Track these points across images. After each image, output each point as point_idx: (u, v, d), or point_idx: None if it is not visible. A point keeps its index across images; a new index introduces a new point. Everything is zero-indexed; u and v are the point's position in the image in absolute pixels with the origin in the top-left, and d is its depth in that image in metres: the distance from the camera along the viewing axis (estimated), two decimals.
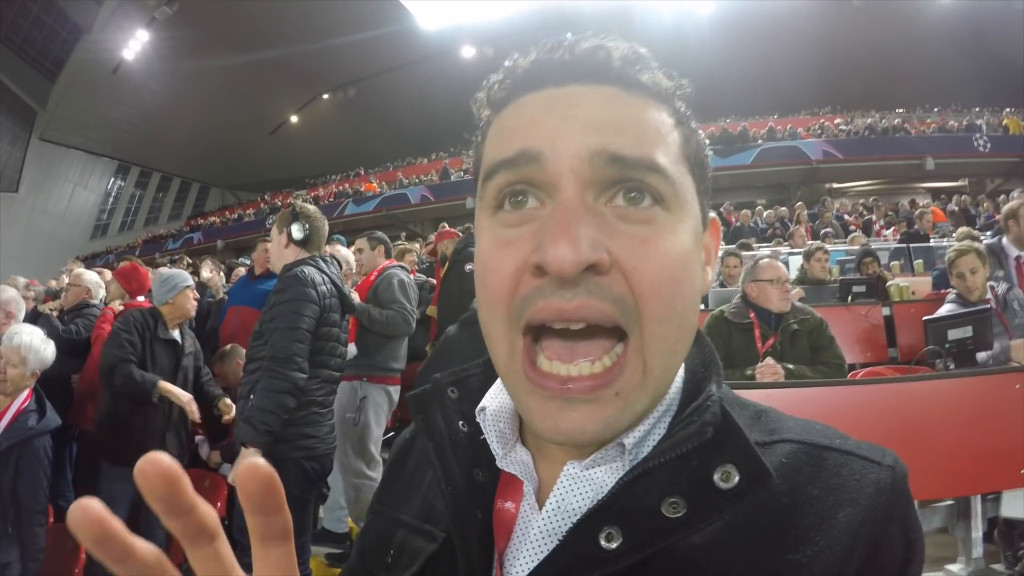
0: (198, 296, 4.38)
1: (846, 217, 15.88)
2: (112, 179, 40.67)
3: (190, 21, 29.36)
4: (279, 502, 0.42)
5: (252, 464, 0.41)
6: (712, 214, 0.74)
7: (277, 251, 3.69)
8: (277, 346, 3.30)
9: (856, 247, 10.04)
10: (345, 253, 5.44)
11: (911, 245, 10.27)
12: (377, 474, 4.76)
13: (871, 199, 18.17)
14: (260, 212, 33.35)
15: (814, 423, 0.70)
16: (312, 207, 3.78)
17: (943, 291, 5.70)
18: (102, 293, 5.39)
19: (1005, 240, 5.22)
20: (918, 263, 9.61)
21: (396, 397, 5.13)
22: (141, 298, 5.00)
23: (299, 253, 3.62)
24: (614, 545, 0.59)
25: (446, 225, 10.37)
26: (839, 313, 6.00)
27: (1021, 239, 5.14)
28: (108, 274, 8.75)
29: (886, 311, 6.19)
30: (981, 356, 4.07)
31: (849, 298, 6.67)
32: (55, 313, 5.40)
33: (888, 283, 7.08)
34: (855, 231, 12.91)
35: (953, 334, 3.96)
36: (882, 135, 23.56)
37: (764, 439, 0.65)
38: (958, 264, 4.47)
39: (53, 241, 34.54)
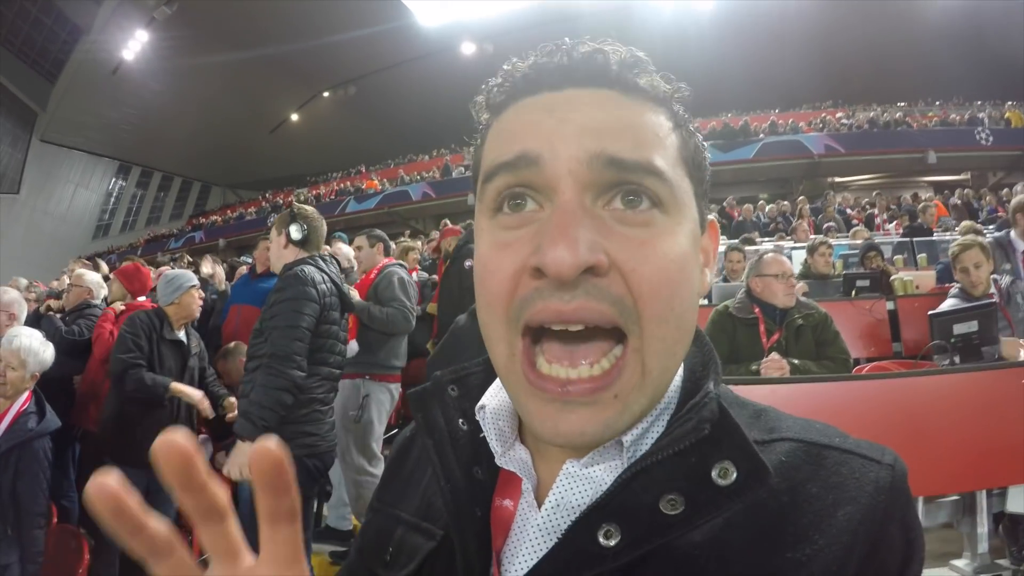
0: (203, 295, 4.38)
1: (848, 211, 15.86)
2: (113, 179, 40.70)
3: (189, 21, 29.36)
4: (288, 482, 0.44)
5: (265, 444, 0.43)
6: (711, 216, 0.74)
7: (277, 252, 3.72)
8: (277, 344, 3.33)
9: (859, 241, 10.02)
10: (347, 250, 5.45)
11: (914, 239, 10.25)
12: (379, 471, 4.77)
13: (874, 194, 18.08)
14: (262, 210, 33.38)
15: (813, 422, 0.70)
16: (310, 208, 3.84)
17: (947, 285, 5.67)
18: (104, 293, 5.38)
19: (1013, 234, 5.19)
20: (921, 257, 9.61)
21: (397, 395, 5.15)
22: (143, 298, 4.99)
23: (298, 253, 3.66)
24: (613, 542, 0.59)
25: (448, 222, 10.36)
26: (843, 307, 6.00)
27: None
28: (104, 266, 8.79)
29: (890, 305, 6.19)
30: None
31: (853, 292, 6.67)
32: (57, 315, 5.38)
33: (892, 277, 7.07)
34: (857, 225, 12.87)
35: (958, 329, 3.94)
36: (884, 129, 23.51)
37: (763, 438, 0.66)
38: (962, 259, 4.44)
39: (55, 242, 34.56)
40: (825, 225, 13.16)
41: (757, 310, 4.07)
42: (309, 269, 3.55)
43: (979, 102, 26.50)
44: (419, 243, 10.49)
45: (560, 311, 0.59)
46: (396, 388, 5.12)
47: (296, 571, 0.47)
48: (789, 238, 11.54)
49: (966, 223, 9.27)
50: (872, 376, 3.69)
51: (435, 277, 7.19)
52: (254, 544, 0.47)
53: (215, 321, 5.69)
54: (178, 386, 3.96)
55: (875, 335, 6.03)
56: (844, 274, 7.35)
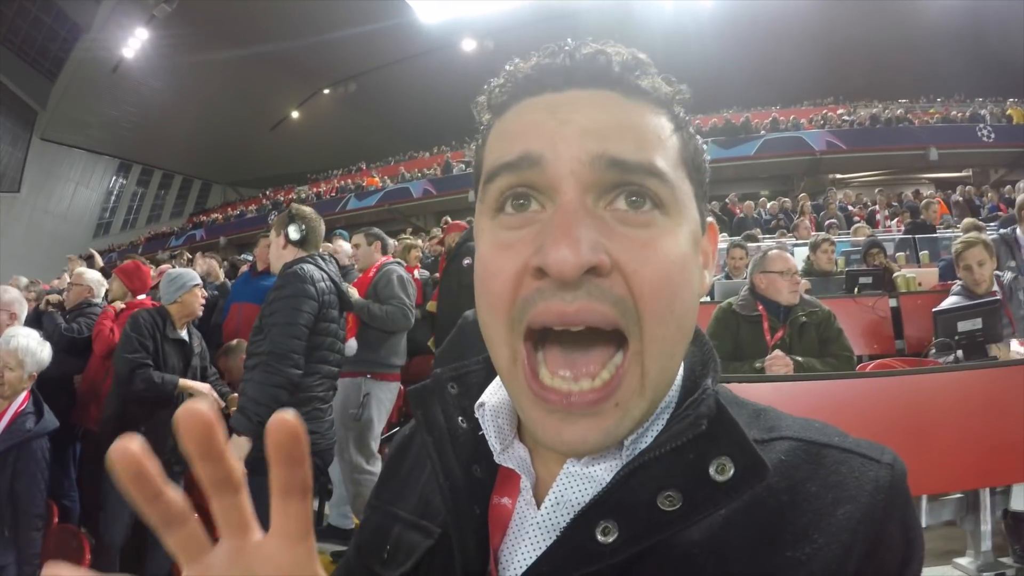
0: (206, 295, 4.38)
1: (850, 208, 15.85)
2: (114, 177, 40.73)
3: (189, 18, 29.38)
4: (303, 454, 0.45)
5: (283, 416, 0.44)
6: (710, 218, 0.75)
7: (276, 252, 3.77)
8: (275, 342, 3.37)
9: (860, 238, 10.02)
10: (348, 248, 5.45)
11: (916, 236, 10.24)
12: (376, 469, 4.79)
13: (876, 191, 18.07)
14: (262, 208, 33.40)
15: (812, 421, 0.70)
16: (308, 208, 3.89)
17: (950, 282, 5.67)
18: (104, 291, 5.38)
19: (1019, 231, 5.20)
20: (923, 254, 9.60)
21: (397, 393, 5.17)
22: (143, 296, 4.99)
23: (298, 253, 3.70)
24: (611, 539, 0.59)
25: (449, 219, 10.35)
26: (845, 304, 5.99)
27: None
28: (97, 257, 8.77)
29: (893, 302, 6.18)
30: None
31: (856, 289, 6.66)
32: (57, 312, 5.38)
33: (895, 274, 7.06)
34: (859, 222, 12.87)
35: (963, 326, 3.92)
36: (885, 125, 23.50)
37: (763, 437, 0.66)
38: (966, 256, 4.42)
39: (55, 241, 34.54)
40: (827, 222, 13.15)
41: (761, 307, 4.07)
42: (308, 267, 3.59)
43: (980, 99, 26.48)
44: (420, 241, 10.48)
45: (562, 312, 0.59)
46: (396, 386, 5.14)
47: (305, 547, 0.48)
48: (791, 235, 11.54)
49: (968, 220, 9.25)
50: (876, 374, 3.67)
51: (437, 275, 7.20)
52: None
53: (216, 319, 5.69)
54: (186, 382, 3.99)
55: (878, 332, 6.02)
56: (847, 271, 7.33)
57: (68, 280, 6.29)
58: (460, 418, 0.74)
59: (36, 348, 3.53)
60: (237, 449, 3.24)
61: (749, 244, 8.30)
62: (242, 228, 31.82)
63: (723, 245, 8.48)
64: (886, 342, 6.02)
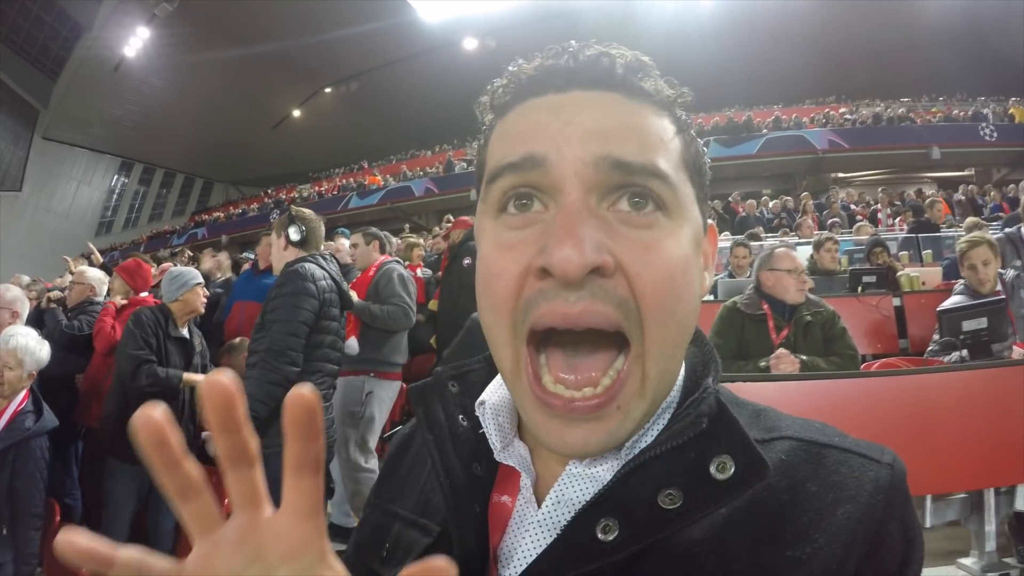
0: (207, 293, 4.38)
1: (852, 207, 15.84)
2: (115, 176, 40.77)
3: (190, 17, 29.42)
4: (319, 429, 0.46)
5: (300, 390, 0.44)
6: (710, 220, 0.75)
7: (277, 254, 3.84)
8: (273, 339, 3.42)
9: (863, 237, 10.00)
10: (347, 244, 5.48)
11: (920, 235, 10.22)
12: (374, 466, 4.82)
13: (879, 190, 18.04)
14: (264, 207, 33.44)
15: (812, 421, 0.70)
16: (307, 210, 3.97)
17: (953, 281, 5.66)
18: (105, 289, 5.37)
19: None
20: (927, 253, 9.57)
21: (398, 391, 5.18)
22: (145, 294, 4.99)
23: (298, 254, 3.76)
24: (611, 537, 0.59)
25: (451, 217, 10.34)
26: (849, 303, 5.98)
27: None
28: (96, 254, 8.77)
29: (896, 301, 6.17)
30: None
31: (859, 288, 6.64)
32: (59, 309, 5.38)
33: (898, 273, 7.05)
34: (861, 221, 12.85)
35: (968, 325, 3.91)
36: (887, 124, 23.47)
37: (763, 436, 0.66)
38: (970, 256, 4.40)
39: (58, 240, 34.51)
40: (829, 221, 13.14)
41: (766, 306, 4.05)
42: (309, 266, 3.65)
43: (983, 98, 26.45)
44: (421, 240, 10.47)
45: (566, 314, 0.59)
46: (398, 385, 5.15)
47: (315, 523, 0.48)
48: (793, 234, 11.53)
49: (971, 219, 9.23)
50: (881, 373, 3.67)
51: (439, 274, 7.20)
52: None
53: (218, 317, 5.68)
54: (190, 376, 4.00)
55: (882, 331, 6.01)
56: (850, 270, 7.32)
57: (70, 279, 6.28)
58: (460, 416, 0.74)
59: (35, 347, 3.53)
60: None
61: (752, 243, 8.27)
62: (244, 227, 31.85)
63: (726, 244, 8.47)
64: (890, 341, 6.01)
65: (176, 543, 3.93)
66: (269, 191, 38.39)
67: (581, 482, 0.65)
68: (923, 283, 7.03)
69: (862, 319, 5.94)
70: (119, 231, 41.13)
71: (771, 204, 15.97)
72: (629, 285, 0.60)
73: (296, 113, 39.81)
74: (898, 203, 16.26)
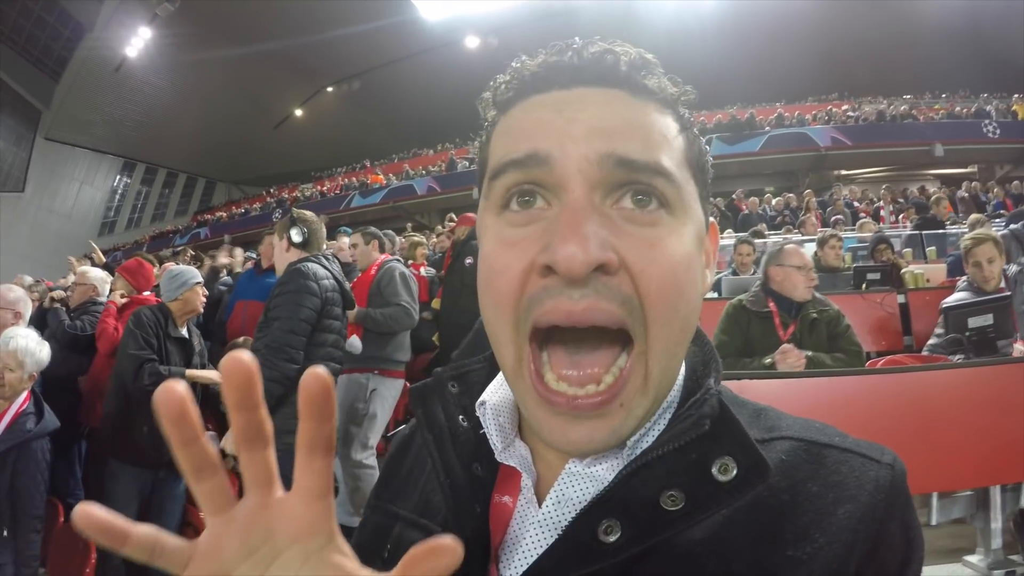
0: (206, 292, 4.38)
1: (856, 204, 15.82)
2: (118, 176, 40.81)
3: (192, 17, 29.43)
4: (332, 410, 0.46)
5: (315, 371, 0.45)
6: (712, 218, 0.75)
7: (280, 255, 3.88)
8: (274, 336, 3.46)
9: (866, 234, 9.99)
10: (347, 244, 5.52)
11: (923, 232, 10.21)
12: (374, 463, 4.84)
13: (883, 188, 18.00)
14: (266, 206, 33.49)
15: (813, 421, 0.70)
16: (309, 212, 4.04)
17: (958, 278, 5.65)
18: (108, 289, 5.37)
19: None
20: (930, 250, 9.56)
21: (401, 390, 5.19)
22: (148, 293, 4.99)
23: (301, 255, 3.80)
24: (613, 538, 0.59)
25: (454, 216, 10.34)
26: (853, 301, 5.98)
27: None
28: (98, 253, 8.79)
29: (901, 298, 6.16)
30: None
31: (863, 285, 6.63)
32: (62, 308, 5.39)
33: (903, 270, 7.03)
34: (864, 218, 12.84)
35: (973, 322, 3.91)
36: (890, 121, 23.43)
37: (763, 436, 0.66)
38: (975, 253, 4.40)
39: (61, 240, 34.55)
40: (833, 218, 13.12)
41: (772, 304, 4.04)
42: (312, 265, 3.70)
43: (985, 95, 26.41)
44: (423, 239, 10.50)
45: (570, 311, 0.59)
46: (401, 383, 5.16)
47: (325, 504, 0.48)
48: (796, 231, 11.51)
49: (975, 216, 9.21)
50: (886, 370, 3.66)
51: (442, 273, 7.21)
52: None
53: (221, 316, 5.69)
54: (193, 372, 4.02)
55: (886, 328, 6.01)
56: (854, 267, 7.32)
57: (72, 279, 6.29)
58: (461, 417, 0.74)
59: (35, 348, 3.52)
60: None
61: (756, 240, 8.27)
62: (246, 226, 31.84)
63: (730, 241, 8.46)
64: (894, 338, 6.00)
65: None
66: (271, 190, 38.46)
67: (581, 481, 0.65)
68: (927, 280, 7.03)
69: (866, 316, 5.94)
70: (122, 231, 41.17)
71: (774, 202, 15.95)
72: (633, 282, 0.60)
73: (298, 112, 39.82)
74: (901, 200, 16.25)
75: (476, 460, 0.70)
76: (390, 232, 7.67)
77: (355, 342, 4.68)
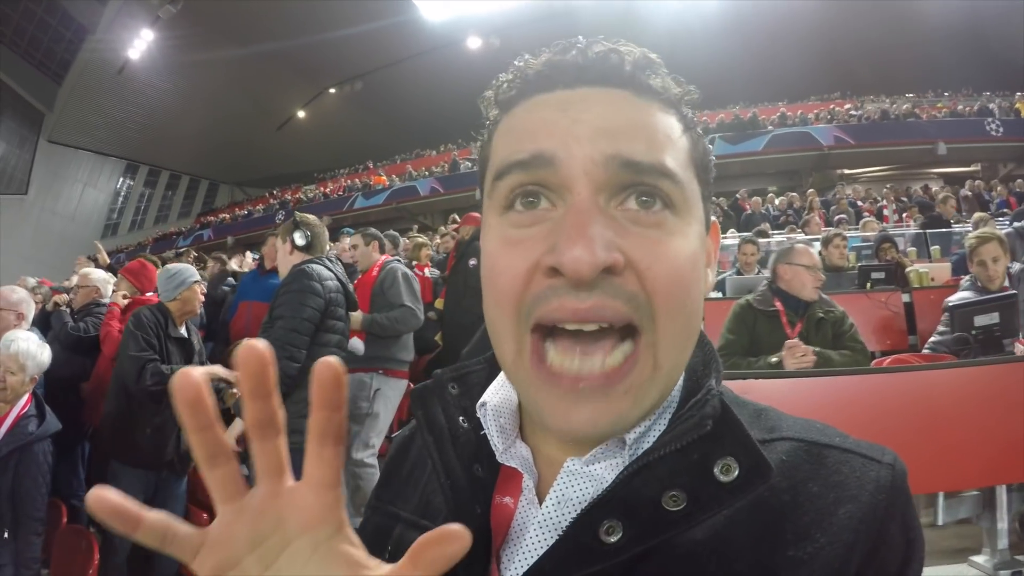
0: (204, 289, 4.37)
1: (859, 204, 15.80)
2: (121, 178, 40.95)
3: (194, 19, 29.49)
4: (343, 399, 0.47)
5: (328, 360, 0.47)
6: (713, 218, 0.75)
7: (284, 258, 3.90)
8: (276, 334, 3.49)
9: (869, 233, 9.98)
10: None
11: (928, 231, 10.19)
12: (374, 461, 4.85)
13: (885, 188, 17.99)
14: (269, 207, 33.55)
15: (813, 422, 0.70)
16: (311, 216, 4.08)
17: (962, 277, 5.63)
18: (110, 290, 5.37)
19: None
20: (935, 249, 9.54)
21: (404, 390, 5.19)
22: (150, 294, 4.99)
23: (304, 257, 3.83)
24: (614, 538, 0.59)
25: (457, 217, 10.34)
26: (858, 300, 5.97)
27: None
28: (103, 254, 8.80)
29: (905, 298, 6.14)
30: None
31: (868, 285, 6.61)
32: (66, 311, 5.39)
33: (907, 269, 7.02)
34: (868, 217, 12.82)
35: (980, 320, 3.89)
36: (894, 120, 23.40)
37: (764, 437, 0.66)
38: (980, 252, 4.38)
39: (64, 242, 34.65)
40: (836, 217, 13.10)
41: (778, 303, 4.04)
42: (316, 267, 3.73)
43: (988, 93, 26.38)
44: (427, 239, 10.52)
45: (576, 309, 0.59)
46: (405, 383, 5.16)
47: (335, 494, 0.49)
48: (799, 231, 11.49)
49: (978, 214, 9.19)
50: (891, 369, 3.65)
51: (447, 273, 7.23)
52: None
53: (224, 316, 5.69)
54: (197, 368, 3.98)
55: (891, 328, 5.99)
56: (859, 266, 7.30)
57: (75, 280, 6.30)
58: (461, 418, 0.74)
59: (36, 351, 3.53)
60: (237, 428, 3.37)
61: (760, 240, 8.26)
62: (249, 228, 31.89)
63: (734, 241, 8.44)
64: (899, 337, 5.98)
65: None
66: (274, 192, 38.49)
67: (581, 481, 0.65)
68: (932, 279, 7.00)
69: (871, 315, 5.92)
70: (125, 233, 41.27)
71: (777, 201, 15.94)
72: (639, 280, 0.60)
73: (301, 114, 39.86)
74: (904, 199, 16.23)
75: (477, 461, 0.70)
76: (394, 233, 7.68)
77: (357, 344, 4.68)
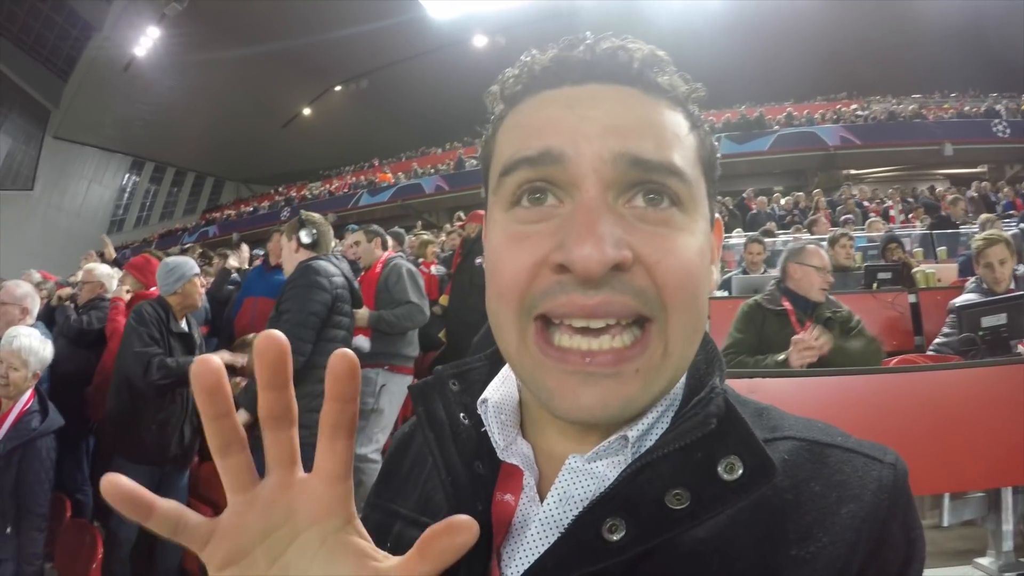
0: (204, 282, 4.37)
1: (866, 204, 15.79)
2: (127, 175, 41.01)
3: (200, 17, 29.52)
4: (356, 391, 0.49)
5: (343, 351, 0.48)
6: (717, 215, 0.75)
7: (289, 256, 3.94)
8: (282, 328, 3.45)
9: (875, 233, 9.96)
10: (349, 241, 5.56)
11: (934, 231, 10.17)
12: (378, 457, 4.86)
13: (890, 189, 17.96)
14: (275, 204, 33.63)
15: (815, 421, 0.70)
16: (316, 215, 4.13)
17: (969, 278, 5.61)
18: (115, 284, 5.38)
19: None
20: (941, 250, 9.52)
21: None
22: (154, 289, 5.00)
23: (310, 255, 3.88)
24: (617, 537, 0.59)
25: (462, 214, 10.34)
26: (865, 300, 5.95)
27: None
28: (109, 248, 8.83)
29: (912, 298, 6.12)
30: None
31: (875, 285, 6.60)
32: (70, 305, 5.41)
33: (914, 270, 7.00)
34: (874, 217, 12.80)
35: (987, 321, 3.88)
36: (900, 121, 23.35)
37: (766, 436, 0.66)
38: (987, 254, 4.37)
39: (70, 238, 34.69)
40: (843, 217, 13.07)
41: (786, 302, 4.03)
42: (323, 263, 3.78)
43: (995, 94, 26.31)
44: (433, 236, 10.52)
45: (584, 305, 0.59)
46: (410, 380, 5.15)
47: (345, 486, 0.51)
48: (805, 230, 11.48)
49: (985, 215, 9.17)
50: (897, 369, 3.65)
51: (452, 270, 7.22)
52: None
53: (229, 313, 5.69)
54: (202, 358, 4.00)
55: (897, 328, 5.97)
56: (866, 266, 7.29)
57: (80, 275, 6.31)
58: (462, 414, 0.74)
59: (39, 347, 3.55)
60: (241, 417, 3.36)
61: (766, 239, 8.25)
62: (255, 224, 31.93)
63: (740, 240, 8.43)
64: (905, 338, 5.97)
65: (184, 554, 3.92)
66: (280, 189, 38.60)
67: (583, 479, 0.65)
68: (939, 280, 6.99)
69: (877, 316, 5.90)
70: (130, 229, 41.32)
71: (783, 201, 15.91)
72: (649, 274, 0.60)
73: (306, 111, 39.90)
74: (910, 199, 16.20)
75: (477, 458, 0.70)
76: (399, 230, 7.68)
77: (362, 341, 4.69)
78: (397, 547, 0.71)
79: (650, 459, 0.61)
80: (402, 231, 7.89)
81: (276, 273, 5.38)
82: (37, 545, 3.22)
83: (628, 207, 0.62)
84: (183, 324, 4.11)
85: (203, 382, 0.45)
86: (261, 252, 8.45)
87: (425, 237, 8.47)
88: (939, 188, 19.00)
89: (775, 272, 4.39)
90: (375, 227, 5.57)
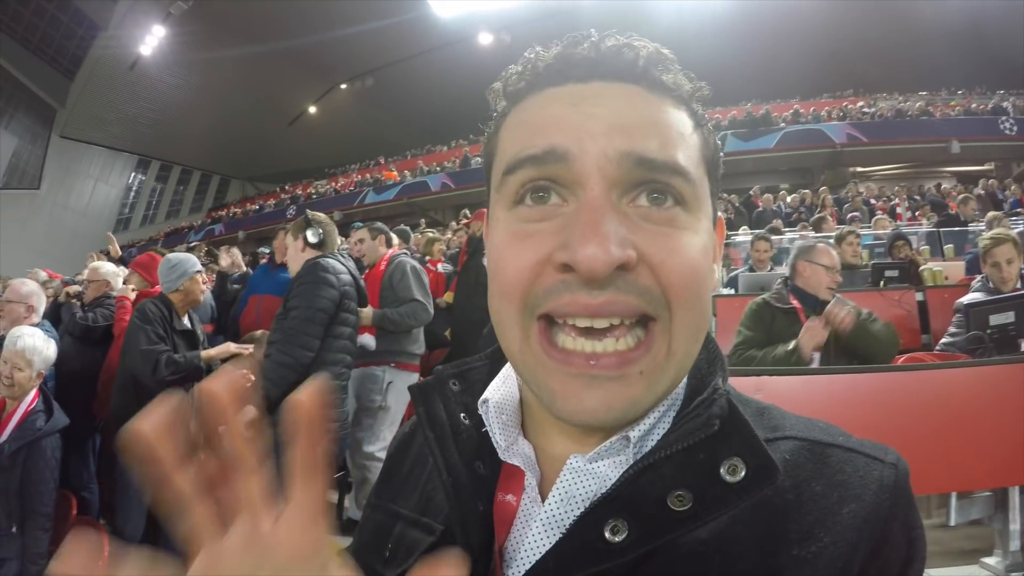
0: (206, 279, 4.37)
1: (872, 202, 15.74)
2: (133, 173, 41.18)
3: (205, 15, 29.63)
4: (322, 431, 0.44)
5: (299, 397, 0.43)
6: (719, 214, 0.74)
7: (295, 255, 3.94)
8: (290, 324, 3.56)
9: (881, 231, 9.92)
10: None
11: (942, 230, 10.13)
12: (384, 455, 4.76)
13: (896, 188, 17.90)
14: (280, 202, 33.70)
15: (816, 420, 0.70)
16: (322, 215, 4.15)
17: (976, 276, 5.58)
18: (121, 282, 5.39)
19: None
20: (948, 247, 9.48)
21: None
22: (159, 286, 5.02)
23: (316, 254, 3.89)
24: (619, 538, 0.58)
25: (468, 212, 10.36)
26: (872, 298, 5.91)
27: None
28: (114, 246, 8.84)
29: (919, 296, 6.08)
30: None
31: (882, 283, 6.57)
32: (76, 303, 5.42)
33: (921, 268, 6.97)
34: (880, 215, 12.76)
35: (995, 319, 3.86)
36: (907, 118, 23.27)
37: (767, 436, 0.65)
38: (994, 253, 4.34)
39: (76, 237, 34.88)
40: (849, 215, 13.04)
41: (794, 300, 4.03)
42: (330, 261, 3.80)
43: (1002, 91, 26.22)
44: (440, 234, 10.53)
45: (588, 305, 0.59)
46: (416, 377, 5.12)
47: (320, 529, 0.45)
48: (810, 228, 11.44)
49: (992, 213, 9.13)
50: (904, 367, 3.62)
51: (458, 269, 7.23)
52: None
53: (235, 312, 5.70)
54: (208, 353, 4.07)
55: (904, 326, 5.93)
56: (873, 264, 7.25)
57: (86, 274, 6.33)
58: (462, 414, 0.73)
59: (43, 346, 3.55)
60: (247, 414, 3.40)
61: (773, 237, 8.22)
62: (261, 222, 32.09)
63: (747, 238, 8.40)
64: (912, 336, 5.93)
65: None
66: (285, 187, 38.71)
67: (585, 479, 0.64)
68: (946, 277, 6.96)
69: (884, 314, 5.81)
70: (137, 228, 41.49)
71: (789, 199, 15.88)
72: (654, 273, 0.60)
73: (312, 109, 40.01)
74: (917, 197, 16.16)
75: (478, 458, 0.70)
76: (404, 228, 7.68)
77: (368, 340, 4.69)
78: (398, 547, 0.75)
79: (652, 460, 0.61)
80: (407, 229, 7.89)
81: (281, 271, 5.39)
82: (41, 544, 3.21)
83: (632, 206, 0.61)
84: (185, 320, 4.12)
85: (135, 453, 0.42)
86: (267, 250, 8.48)
87: (431, 235, 8.47)
88: (946, 185, 18.98)
89: (782, 270, 4.37)
90: (379, 224, 5.57)
